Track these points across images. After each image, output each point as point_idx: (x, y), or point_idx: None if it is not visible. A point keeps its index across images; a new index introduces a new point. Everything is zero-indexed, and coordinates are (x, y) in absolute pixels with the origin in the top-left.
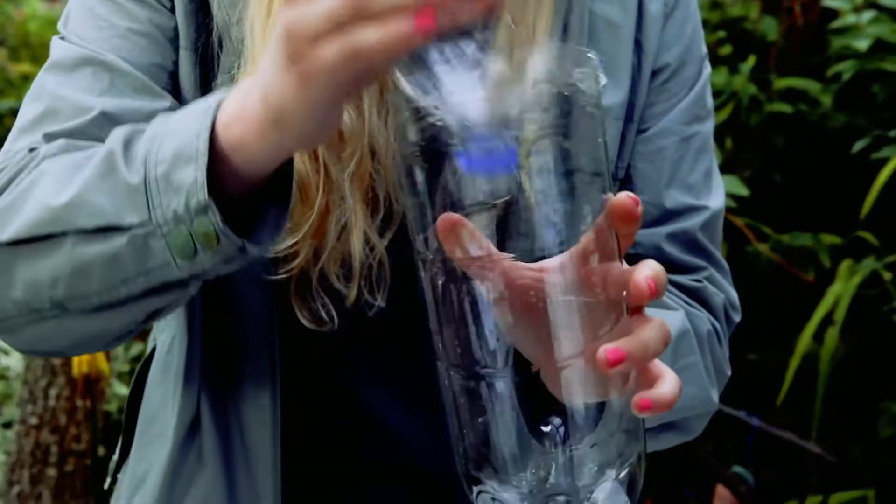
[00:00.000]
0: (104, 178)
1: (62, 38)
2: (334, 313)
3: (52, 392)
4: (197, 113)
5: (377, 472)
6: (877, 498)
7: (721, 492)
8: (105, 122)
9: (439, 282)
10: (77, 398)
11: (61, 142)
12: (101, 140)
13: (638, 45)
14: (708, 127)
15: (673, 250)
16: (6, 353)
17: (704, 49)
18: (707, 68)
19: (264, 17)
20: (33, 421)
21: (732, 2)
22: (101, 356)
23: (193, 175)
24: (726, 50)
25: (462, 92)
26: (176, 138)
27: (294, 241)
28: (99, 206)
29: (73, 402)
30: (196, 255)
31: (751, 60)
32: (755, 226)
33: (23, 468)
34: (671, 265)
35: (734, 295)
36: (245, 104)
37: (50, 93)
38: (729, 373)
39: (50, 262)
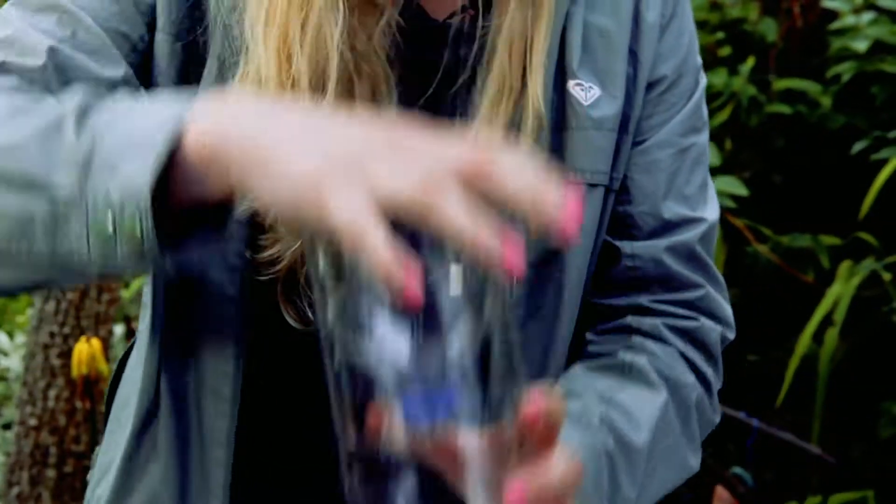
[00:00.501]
0: (48, 133)
1: None
2: None
3: (52, 393)
4: (166, 109)
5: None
6: (876, 498)
7: (721, 493)
8: (56, 74)
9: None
10: (76, 399)
11: (14, 80)
12: (49, 89)
13: (633, 56)
14: (704, 138)
15: (673, 263)
16: (6, 354)
17: (699, 60)
18: (703, 79)
19: (263, 21)
20: (33, 422)
21: (732, 3)
22: (100, 358)
23: (142, 173)
24: (726, 51)
25: (395, 347)
26: (137, 123)
27: (282, 246)
28: (32, 155)
29: (73, 404)
30: (112, 247)
31: (750, 61)
32: (754, 227)
33: (22, 469)
34: (670, 279)
35: (729, 312)
36: (229, 132)
37: (14, 24)
38: (717, 420)
39: None
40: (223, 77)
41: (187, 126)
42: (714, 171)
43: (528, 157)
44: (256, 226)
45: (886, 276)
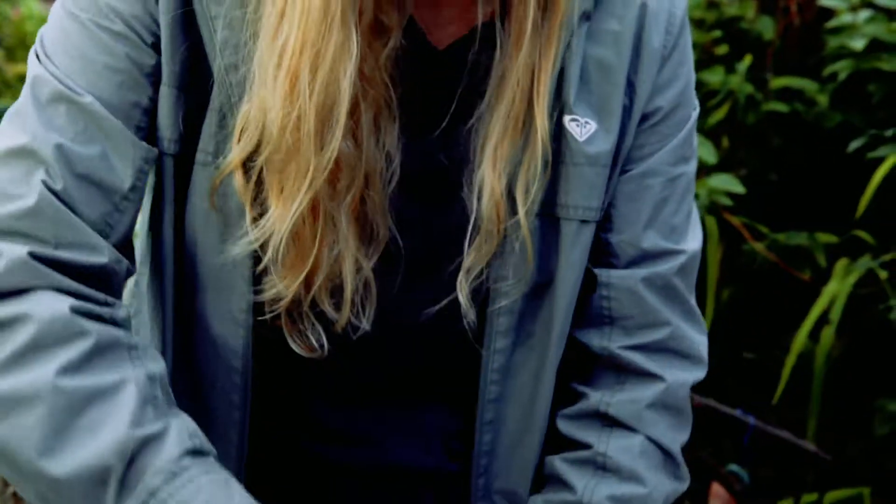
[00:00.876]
0: (92, 483)
1: (38, 59)
2: (325, 340)
3: None
4: None
5: (348, 471)
6: (872, 496)
7: (717, 490)
8: (75, 185)
9: None
10: None
11: (66, 315)
12: (74, 209)
13: (630, 86)
14: (692, 167)
15: (647, 295)
16: None
17: (694, 91)
18: (696, 109)
19: (275, 65)
20: None
21: (729, 1)
22: None
23: None
24: (722, 49)
25: None
26: None
27: (283, 286)
28: (77, 500)
29: None
30: None
31: (747, 60)
32: (751, 225)
33: None
34: (643, 314)
35: (700, 348)
36: None
37: (31, 126)
38: (685, 487)
39: (7, 468)
40: (223, 127)
41: None
42: (711, 169)
43: None
44: (257, 271)
45: (883, 275)
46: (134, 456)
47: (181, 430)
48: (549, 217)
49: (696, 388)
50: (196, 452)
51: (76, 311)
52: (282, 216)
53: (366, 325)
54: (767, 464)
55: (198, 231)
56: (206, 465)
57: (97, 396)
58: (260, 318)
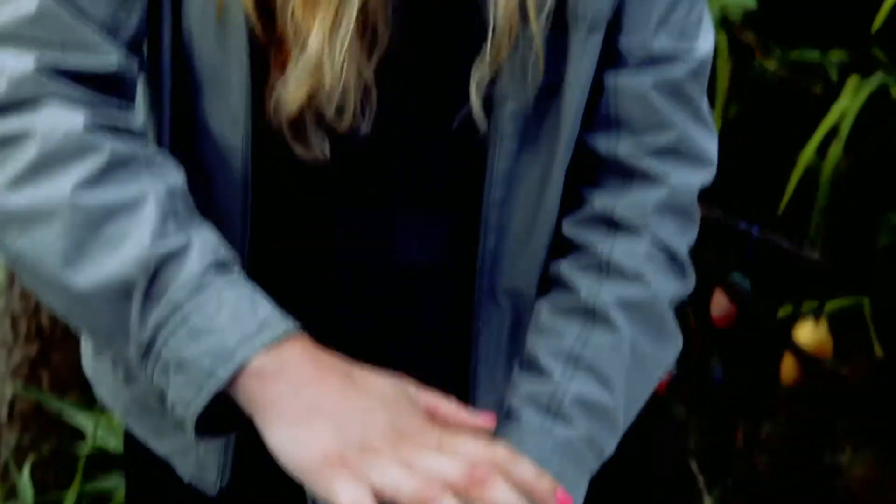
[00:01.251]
0: (116, 296)
1: None
2: (327, 144)
3: None
4: (225, 334)
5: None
6: (871, 304)
7: (719, 297)
8: (81, 25)
9: None
10: None
11: (79, 130)
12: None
13: None
14: None
15: (657, 99)
16: None
17: None
18: None
19: None
20: None
21: None
22: None
23: (192, 402)
24: None
25: None
26: (196, 345)
27: (287, 90)
28: (102, 314)
29: None
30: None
31: None
32: (762, 41)
33: None
34: (652, 116)
35: (711, 151)
36: (269, 389)
37: None
38: (692, 285)
39: (30, 281)
40: None
41: (239, 371)
42: None
43: (525, 470)
44: (261, 73)
45: (895, 91)
46: (157, 270)
47: (204, 243)
48: (558, 25)
49: (702, 201)
50: (220, 266)
51: (89, 124)
52: (327, 45)
53: (366, 128)
54: (770, 274)
55: (194, 26)
56: (230, 279)
57: (116, 211)
58: (260, 118)
